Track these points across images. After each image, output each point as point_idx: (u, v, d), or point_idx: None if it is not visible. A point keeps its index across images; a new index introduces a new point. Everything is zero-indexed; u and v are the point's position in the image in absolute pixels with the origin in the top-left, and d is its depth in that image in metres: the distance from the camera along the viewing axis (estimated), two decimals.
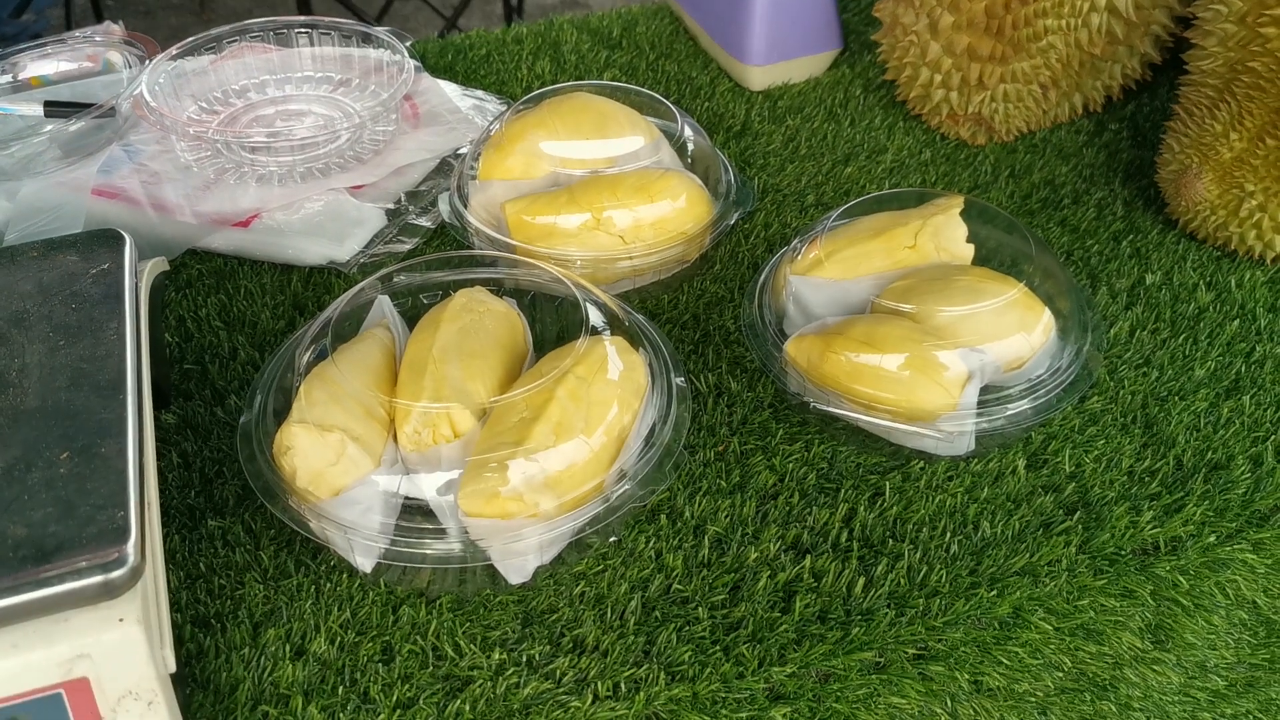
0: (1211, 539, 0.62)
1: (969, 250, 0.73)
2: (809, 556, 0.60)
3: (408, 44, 0.96)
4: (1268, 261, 0.80)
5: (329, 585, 0.59)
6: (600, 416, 0.60)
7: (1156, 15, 0.87)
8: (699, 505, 0.63)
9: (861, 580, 0.59)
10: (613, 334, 0.65)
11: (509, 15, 2.67)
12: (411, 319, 0.67)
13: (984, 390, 0.65)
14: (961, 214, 0.73)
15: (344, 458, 0.58)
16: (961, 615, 0.58)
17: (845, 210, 0.75)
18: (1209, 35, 0.80)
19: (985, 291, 0.67)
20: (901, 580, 0.59)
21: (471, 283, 0.70)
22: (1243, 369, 0.72)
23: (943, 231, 0.72)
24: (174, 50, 0.92)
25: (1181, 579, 0.61)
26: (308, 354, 0.64)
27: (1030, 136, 0.95)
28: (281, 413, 0.60)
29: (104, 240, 0.63)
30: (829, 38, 1.02)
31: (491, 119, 0.92)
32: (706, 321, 0.76)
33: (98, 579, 0.46)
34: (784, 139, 0.95)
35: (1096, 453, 0.67)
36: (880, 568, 0.60)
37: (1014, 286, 0.67)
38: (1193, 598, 0.62)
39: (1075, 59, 0.88)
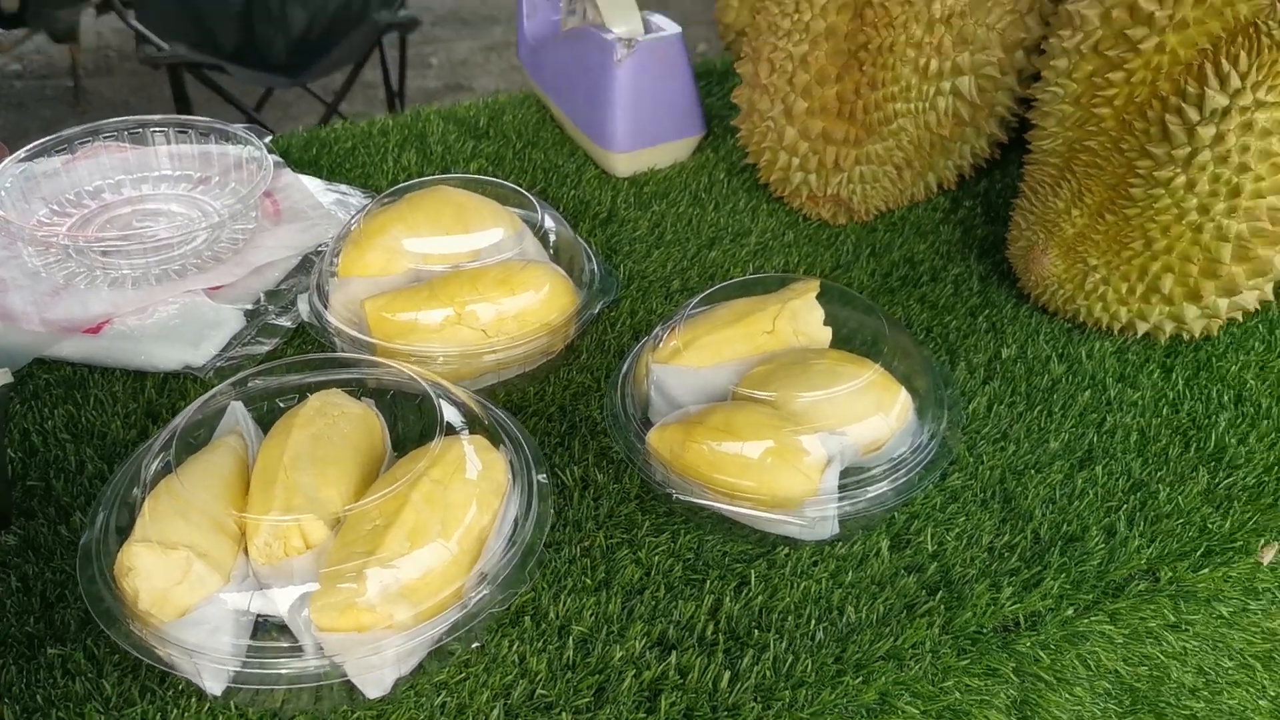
0: (1069, 612, 0.63)
1: (827, 333, 0.74)
2: (674, 652, 0.60)
3: (267, 140, 0.95)
4: (1115, 332, 0.82)
5: (176, 712, 0.56)
6: (458, 519, 0.59)
7: (999, 98, 0.90)
8: (564, 604, 0.62)
9: (727, 674, 0.58)
10: (471, 432, 0.65)
11: (391, 101, 2.67)
12: (269, 424, 0.66)
13: (846, 473, 0.66)
14: (818, 297, 0.74)
15: (190, 575, 0.56)
16: (828, 704, 0.58)
17: (705, 297, 0.75)
18: (1048, 116, 0.83)
19: (842, 374, 0.68)
20: (767, 672, 0.59)
21: (329, 384, 0.68)
22: (1095, 439, 0.74)
23: (800, 315, 0.73)
24: (21, 154, 0.89)
25: (1043, 654, 0.62)
26: (154, 466, 0.62)
27: (889, 215, 0.97)
28: (125, 530, 0.58)
29: None
30: (691, 123, 1.04)
31: (354, 213, 0.91)
32: (573, 413, 0.76)
33: None
34: (650, 225, 0.96)
35: (958, 530, 0.67)
36: (746, 660, 0.59)
37: (870, 368, 0.68)
38: (1055, 672, 0.62)
39: (926, 140, 0.91)
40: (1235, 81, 0.72)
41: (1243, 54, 0.72)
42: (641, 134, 1.01)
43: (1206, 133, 0.73)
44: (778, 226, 0.96)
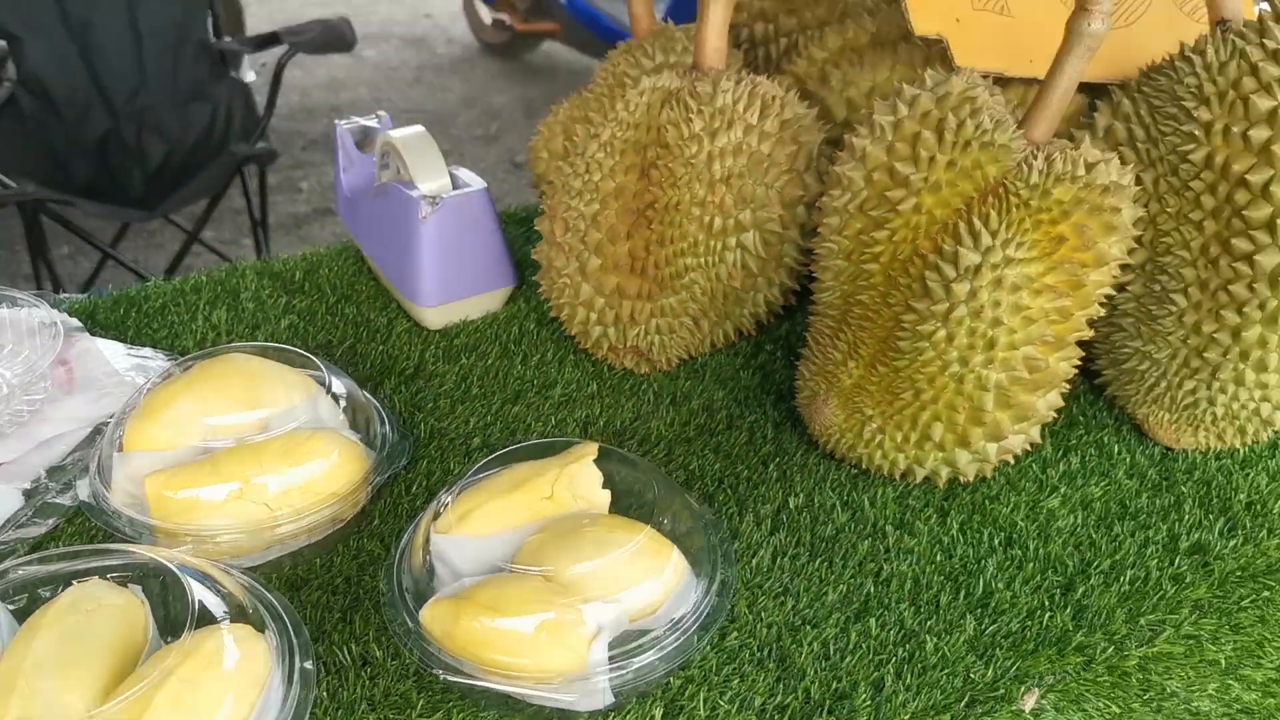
0: None
1: (606, 496, 0.75)
2: None
3: (64, 306, 0.94)
4: (896, 477, 0.85)
5: None
6: (208, 717, 0.58)
7: (786, 250, 0.94)
8: None
9: None
10: (234, 620, 0.64)
11: (255, 229, 2.66)
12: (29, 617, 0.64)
13: (622, 638, 0.66)
14: (598, 459, 0.75)
15: None
16: None
17: (487, 462, 0.76)
18: (826, 270, 0.86)
19: (612, 541, 0.69)
20: None
21: (94, 572, 0.67)
22: (871, 589, 0.76)
23: (578, 480, 0.74)
24: None
25: None
26: None
27: (692, 362, 1.00)
28: None
29: None
30: (500, 275, 1.05)
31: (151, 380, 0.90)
32: (358, 585, 0.75)
33: None
34: (457, 379, 0.96)
35: (731, 693, 0.68)
36: None
37: (641, 531, 0.69)
38: None
39: (719, 292, 0.93)
40: (986, 239, 0.76)
41: (993, 213, 0.77)
42: (449, 288, 1.02)
43: (961, 289, 0.76)
44: (583, 377, 0.97)
